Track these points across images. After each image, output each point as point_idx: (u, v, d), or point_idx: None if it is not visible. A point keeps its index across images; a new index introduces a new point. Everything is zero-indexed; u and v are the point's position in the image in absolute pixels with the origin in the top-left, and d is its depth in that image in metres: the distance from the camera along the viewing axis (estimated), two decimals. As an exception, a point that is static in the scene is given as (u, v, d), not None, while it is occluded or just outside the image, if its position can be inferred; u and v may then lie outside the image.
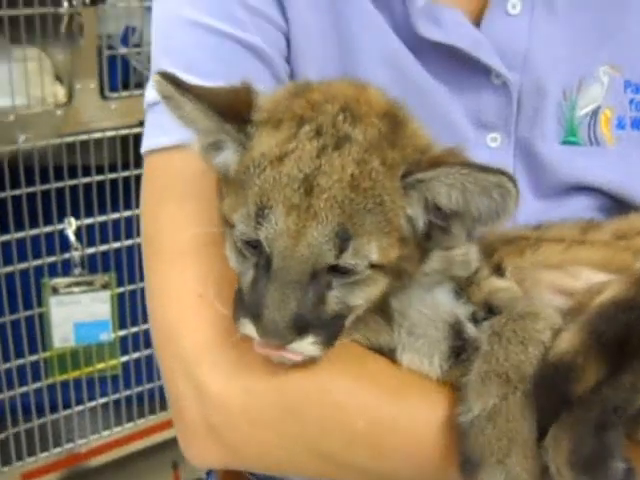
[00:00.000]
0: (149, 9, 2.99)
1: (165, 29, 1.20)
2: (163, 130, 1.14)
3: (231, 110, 0.99)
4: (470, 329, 1.06)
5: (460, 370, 1.03)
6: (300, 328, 0.93)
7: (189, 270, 1.09)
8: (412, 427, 1.02)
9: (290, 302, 0.91)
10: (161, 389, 3.44)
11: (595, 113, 1.26)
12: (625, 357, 0.94)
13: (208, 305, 1.06)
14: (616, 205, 1.28)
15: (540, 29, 1.24)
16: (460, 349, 1.04)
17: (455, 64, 1.22)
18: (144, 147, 1.19)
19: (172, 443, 3.42)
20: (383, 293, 1.01)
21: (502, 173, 0.93)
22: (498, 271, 1.14)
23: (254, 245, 0.96)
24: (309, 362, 1.00)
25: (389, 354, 1.06)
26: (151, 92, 1.19)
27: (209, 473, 1.49)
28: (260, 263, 0.95)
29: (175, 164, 1.13)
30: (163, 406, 3.58)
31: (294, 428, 1.03)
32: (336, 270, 0.94)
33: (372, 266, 0.96)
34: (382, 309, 1.06)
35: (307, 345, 0.94)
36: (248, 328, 0.95)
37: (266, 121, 0.99)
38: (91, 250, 3.20)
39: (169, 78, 0.99)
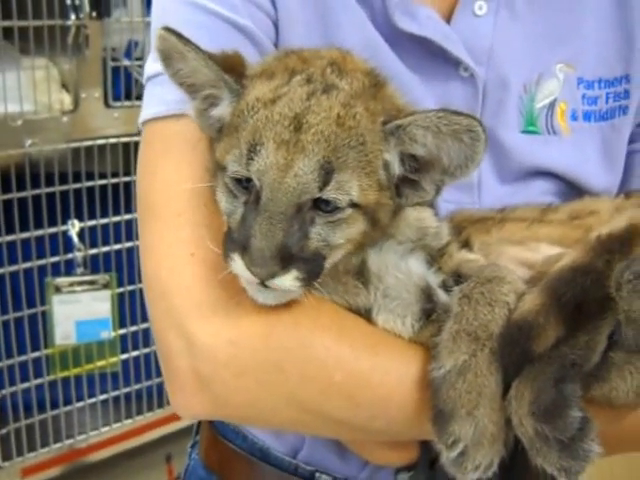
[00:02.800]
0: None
1: (164, 7, 1.25)
2: (161, 101, 1.18)
3: (228, 64, 1.07)
4: (440, 294, 1.11)
5: (430, 330, 1.08)
6: (285, 260, 0.97)
7: (183, 230, 1.13)
8: (385, 381, 1.07)
9: (277, 232, 0.97)
10: (159, 387, 3.53)
11: (552, 105, 1.34)
12: (582, 318, 1.00)
13: (199, 264, 1.10)
14: (571, 190, 1.36)
15: (503, 29, 1.32)
16: (430, 311, 1.10)
17: (427, 56, 1.29)
18: (143, 117, 1.23)
19: (167, 439, 3.51)
20: (360, 239, 1.06)
21: (473, 118, 1.00)
22: (466, 246, 1.22)
23: (244, 185, 1.02)
24: (291, 307, 1.06)
25: (365, 315, 1.11)
26: (150, 66, 1.24)
27: (193, 446, 1.55)
28: (250, 200, 1.01)
29: (172, 131, 1.17)
30: (160, 403, 3.61)
31: (276, 380, 1.07)
32: (319, 207, 1.00)
33: (352, 205, 1.02)
34: (360, 273, 1.11)
35: (290, 280, 0.99)
36: (237, 262, 0.99)
37: (260, 74, 1.07)
38: (93, 251, 3.26)
39: (174, 32, 1.05)
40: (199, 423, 1.56)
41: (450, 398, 1.00)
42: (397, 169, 1.06)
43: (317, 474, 1.34)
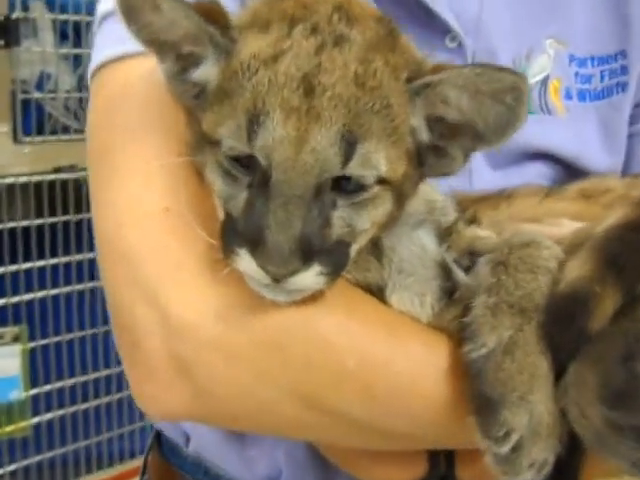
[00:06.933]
0: (64, 56, 3.01)
1: None
2: (120, 40, 1.00)
3: (210, 14, 0.90)
4: (458, 272, 0.99)
5: (452, 313, 0.95)
6: (306, 254, 0.83)
7: (154, 182, 0.95)
8: (408, 368, 0.92)
9: (295, 221, 0.82)
10: (75, 453, 3.33)
11: (545, 82, 1.28)
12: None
13: (177, 220, 0.92)
14: (569, 173, 1.29)
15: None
16: (451, 290, 0.97)
17: (412, 25, 1.15)
18: (96, 61, 1.06)
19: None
20: (387, 220, 0.93)
21: (517, 74, 0.87)
22: (474, 223, 1.11)
23: (245, 163, 0.86)
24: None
25: (377, 294, 0.98)
26: (105, 4, 1.09)
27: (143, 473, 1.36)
28: (254, 182, 0.85)
29: (135, 73, 1.01)
30: (77, 473, 3.38)
31: (275, 366, 0.90)
32: (341, 187, 0.86)
33: (380, 181, 0.88)
34: (373, 247, 0.98)
35: (312, 277, 0.85)
36: (245, 259, 0.84)
37: (250, 24, 0.92)
38: (1, 301, 3.03)
39: None
40: (145, 462, 1.33)
41: (498, 381, 0.87)
42: (425, 136, 0.92)
43: None
